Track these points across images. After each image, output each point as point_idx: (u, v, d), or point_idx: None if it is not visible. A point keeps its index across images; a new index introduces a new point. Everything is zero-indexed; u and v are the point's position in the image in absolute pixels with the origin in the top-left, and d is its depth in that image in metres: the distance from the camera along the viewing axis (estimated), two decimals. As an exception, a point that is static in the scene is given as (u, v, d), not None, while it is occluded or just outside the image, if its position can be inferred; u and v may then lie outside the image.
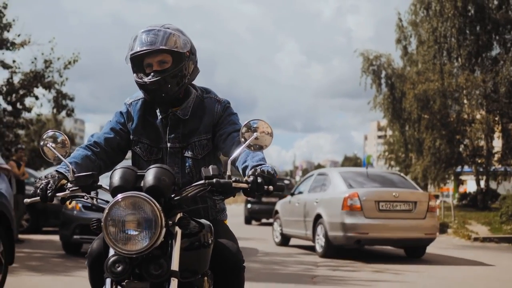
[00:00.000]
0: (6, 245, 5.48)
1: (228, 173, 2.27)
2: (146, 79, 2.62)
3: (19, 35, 17.05)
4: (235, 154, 2.35)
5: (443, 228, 17.50)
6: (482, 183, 27.44)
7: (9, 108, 17.04)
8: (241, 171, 2.50)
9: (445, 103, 26.49)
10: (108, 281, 2.14)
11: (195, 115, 2.76)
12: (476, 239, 15.20)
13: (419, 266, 9.44)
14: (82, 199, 2.35)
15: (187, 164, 2.74)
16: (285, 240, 12.68)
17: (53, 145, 2.49)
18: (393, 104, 29.55)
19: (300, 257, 10.32)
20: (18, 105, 17.02)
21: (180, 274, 2.24)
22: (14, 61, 17.14)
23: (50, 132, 2.54)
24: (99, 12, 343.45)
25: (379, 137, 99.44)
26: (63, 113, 17.69)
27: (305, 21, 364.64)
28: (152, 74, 2.62)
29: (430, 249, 12.24)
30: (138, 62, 2.66)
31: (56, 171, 2.45)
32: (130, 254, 2.09)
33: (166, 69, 2.62)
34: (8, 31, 16.91)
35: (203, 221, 2.50)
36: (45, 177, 2.41)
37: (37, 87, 17.07)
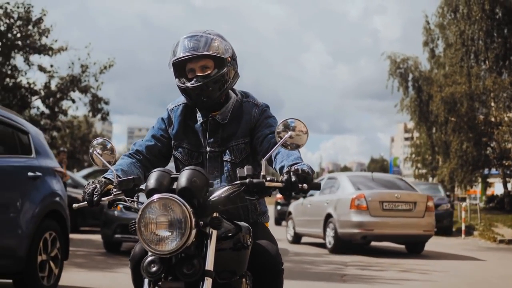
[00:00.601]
0: (62, 243, 5.98)
1: (263, 172, 2.27)
2: (189, 84, 2.67)
3: (56, 41, 17.68)
4: (269, 153, 2.37)
5: (469, 231, 17.72)
6: (510, 186, 27.46)
7: (47, 111, 17.67)
8: (278, 171, 2.54)
9: (472, 105, 26.58)
10: (146, 281, 2.22)
11: (233, 119, 2.80)
12: (501, 241, 15.41)
13: (445, 266, 9.76)
14: (124, 203, 2.42)
15: (225, 168, 2.78)
16: (297, 239, 13.96)
17: (101, 152, 2.58)
18: (420, 107, 29.73)
19: (329, 257, 10.70)
20: (56, 109, 17.65)
21: (217, 275, 2.28)
22: (51, 66, 17.79)
23: (99, 140, 2.62)
24: (126, 13, 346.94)
25: (406, 139, 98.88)
26: (98, 116, 18.29)
27: (332, 21, 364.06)
28: (195, 79, 2.67)
29: (456, 250, 12.55)
30: (181, 67, 2.72)
31: (104, 177, 2.56)
32: (163, 254, 2.14)
33: (208, 74, 2.67)
34: (46, 36, 17.53)
35: (241, 223, 2.54)
36: (93, 182, 2.52)
37: (73, 91, 17.71)
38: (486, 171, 29.03)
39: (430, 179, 33.84)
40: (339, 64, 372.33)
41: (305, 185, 2.21)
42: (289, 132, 2.30)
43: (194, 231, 2.12)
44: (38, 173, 5.68)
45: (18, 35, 16.24)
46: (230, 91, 2.82)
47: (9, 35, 16.34)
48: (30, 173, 5.58)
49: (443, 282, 7.97)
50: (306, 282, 7.29)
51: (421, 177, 35.81)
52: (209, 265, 2.17)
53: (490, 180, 33.80)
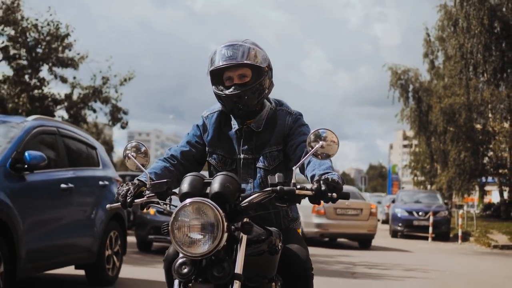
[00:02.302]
0: (122, 240, 7.11)
1: (293, 180, 2.31)
2: (227, 92, 2.71)
3: (79, 53, 18.83)
4: (300, 161, 2.42)
5: (465, 236, 18.82)
6: (506, 194, 28.54)
7: (70, 119, 18.80)
8: (309, 179, 2.57)
9: (470, 116, 27.57)
10: (176, 282, 2.28)
11: (267, 128, 2.84)
12: (495, 247, 16.49)
13: (443, 267, 10.87)
14: (157, 205, 2.48)
15: (258, 175, 2.82)
16: None
17: (135, 154, 2.65)
18: (420, 117, 30.87)
19: (339, 258, 11.81)
20: (78, 118, 18.79)
21: (246, 279, 2.33)
22: (74, 78, 18.93)
23: (134, 143, 2.69)
24: (126, 18, 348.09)
25: (405, 146, 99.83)
26: (118, 125, 19.44)
27: (332, 29, 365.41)
28: (233, 87, 2.71)
29: (453, 254, 13.70)
30: (218, 75, 2.76)
31: (137, 179, 2.62)
32: (195, 256, 2.18)
33: (246, 83, 2.71)
34: (70, 50, 18.67)
35: (272, 228, 2.61)
36: (126, 184, 2.58)
37: (95, 101, 18.86)
38: (483, 179, 30.06)
39: (429, 186, 34.90)
40: (339, 71, 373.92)
41: (334, 194, 2.26)
42: (320, 142, 2.35)
43: (225, 235, 2.17)
44: (106, 182, 6.82)
45: (46, 50, 17.39)
46: (265, 99, 2.86)
47: (38, 49, 17.52)
48: (100, 182, 6.71)
49: (441, 280, 9.08)
50: (321, 278, 8.37)
51: (420, 185, 36.85)
52: (239, 268, 2.23)
53: (487, 188, 34.88)
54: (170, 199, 2.47)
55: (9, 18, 17.05)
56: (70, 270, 6.81)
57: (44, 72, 18.26)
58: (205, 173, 2.78)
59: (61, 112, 19.03)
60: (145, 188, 2.52)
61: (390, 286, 8.18)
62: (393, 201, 21.68)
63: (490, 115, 28.23)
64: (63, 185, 5.84)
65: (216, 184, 2.27)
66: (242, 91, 2.69)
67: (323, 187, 2.26)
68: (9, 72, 18.10)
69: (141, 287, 7.17)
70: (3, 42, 17.41)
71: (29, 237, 5.17)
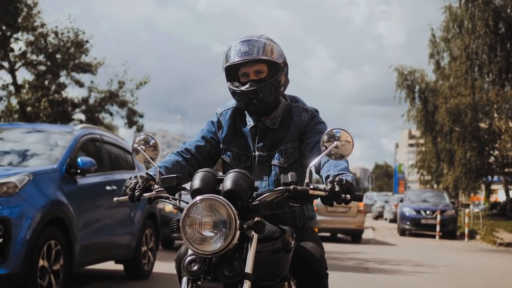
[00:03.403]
0: (155, 237, 7.73)
1: (307, 180, 2.27)
2: (243, 88, 2.67)
3: (95, 58, 19.45)
4: (314, 161, 2.35)
5: (472, 234, 19.39)
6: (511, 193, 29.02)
7: (87, 122, 19.45)
8: (323, 180, 2.51)
9: (476, 116, 28.01)
10: (184, 279, 2.22)
11: (283, 124, 2.79)
12: (501, 244, 17.04)
13: (450, 262, 11.46)
14: (166, 200, 2.42)
15: (273, 172, 2.77)
16: None
17: (144, 148, 2.58)
18: (426, 117, 31.34)
19: (351, 254, 12.41)
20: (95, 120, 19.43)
21: (258, 278, 2.32)
22: (92, 82, 19.56)
23: (142, 136, 2.63)
24: (129, 18, 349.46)
25: (410, 145, 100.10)
26: (134, 128, 20.04)
27: (336, 27, 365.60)
28: (249, 83, 2.67)
29: (460, 251, 14.31)
30: (234, 71, 2.72)
31: (147, 173, 2.55)
32: (205, 254, 2.13)
33: (262, 79, 2.67)
34: (86, 55, 19.30)
35: (285, 227, 2.58)
36: (135, 177, 2.51)
37: (112, 105, 19.49)
38: (489, 178, 30.54)
39: (435, 186, 35.38)
40: (343, 69, 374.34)
41: (348, 196, 2.22)
42: (335, 142, 2.31)
43: (238, 233, 2.13)
44: (141, 184, 7.43)
45: (66, 56, 18.03)
46: (280, 96, 2.81)
47: (57, 55, 18.16)
48: (137, 184, 7.32)
49: (449, 275, 9.66)
50: (336, 273, 8.95)
51: (426, 184, 37.33)
52: (249, 268, 2.18)
53: (493, 187, 35.35)
54: (180, 195, 2.42)
55: (27, 25, 17.68)
56: (107, 265, 7.43)
57: (62, 77, 18.91)
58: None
59: (79, 116, 19.67)
60: (154, 182, 2.46)
61: (402, 280, 8.77)
62: (401, 200, 22.24)
63: (495, 115, 28.63)
64: (108, 187, 6.46)
65: (228, 181, 2.22)
66: (258, 87, 2.65)
67: (337, 188, 2.21)
68: (29, 77, 18.75)
69: (171, 281, 7.79)
70: (20, 49, 18.02)
71: (82, 234, 5.79)
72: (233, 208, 2.13)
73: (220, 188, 2.23)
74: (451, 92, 29.04)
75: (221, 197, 2.17)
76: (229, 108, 2.88)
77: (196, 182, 2.25)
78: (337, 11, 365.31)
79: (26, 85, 18.53)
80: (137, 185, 2.45)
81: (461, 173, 28.11)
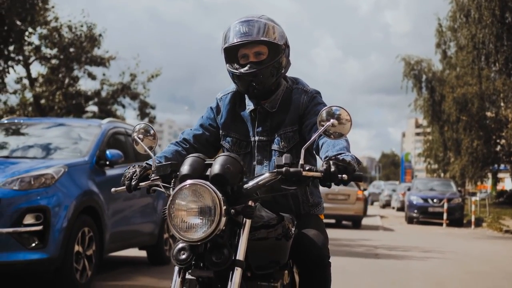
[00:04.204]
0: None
1: (301, 161, 2.14)
2: (242, 70, 2.58)
3: (107, 52, 19.85)
4: (309, 141, 2.20)
5: (478, 222, 19.73)
6: (518, 181, 29.31)
7: (101, 114, 19.86)
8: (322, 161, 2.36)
9: (483, 105, 28.20)
10: (176, 269, 2.15)
11: (282, 107, 2.71)
12: (507, 231, 17.37)
13: (457, 248, 11.82)
14: (159, 188, 2.36)
15: (273, 158, 2.69)
16: None
17: (142, 137, 2.52)
18: (433, 106, 31.57)
19: (361, 241, 12.78)
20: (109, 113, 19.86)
21: (256, 266, 2.28)
22: (104, 74, 19.98)
23: (142, 125, 2.57)
24: (135, 8, 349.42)
25: (417, 134, 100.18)
26: (146, 119, 20.46)
27: (342, 16, 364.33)
28: (248, 65, 2.58)
29: (466, 238, 14.68)
30: (233, 52, 2.63)
31: (146, 162, 2.52)
32: (192, 241, 2.06)
33: (262, 61, 2.59)
34: (98, 48, 19.70)
35: (285, 214, 2.52)
36: (133, 167, 2.49)
37: (124, 97, 19.90)
38: (495, 167, 30.79)
39: (442, 174, 35.64)
40: (350, 58, 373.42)
41: (345, 176, 2.10)
42: (331, 120, 2.17)
43: (224, 219, 2.05)
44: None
45: (80, 50, 18.43)
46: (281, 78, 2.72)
47: (71, 49, 18.55)
48: (159, 175, 7.72)
49: (456, 260, 10.03)
50: (347, 258, 9.33)
51: (433, 173, 37.60)
52: (241, 255, 2.11)
53: (500, 175, 35.60)
54: (175, 182, 2.33)
55: (40, 19, 18.06)
56: (131, 251, 7.83)
57: (75, 70, 19.32)
58: None
59: (92, 108, 20.10)
60: (151, 171, 2.41)
61: (411, 264, 9.14)
62: (409, 189, 22.58)
63: (502, 104, 28.83)
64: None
65: (216, 166, 2.14)
66: (258, 69, 2.56)
67: (332, 168, 2.10)
68: (43, 71, 19.16)
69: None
70: (33, 43, 18.36)
71: (111, 222, 6.18)
72: (218, 193, 2.05)
73: (209, 173, 2.16)
74: (458, 81, 29.22)
75: (206, 182, 2.08)
76: (229, 93, 2.82)
77: (185, 167, 2.20)
78: (343, 0, 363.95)
79: (40, 79, 18.95)
80: (134, 175, 2.44)
81: (467, 162, 28.37)
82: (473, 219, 19.38)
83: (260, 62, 2.59)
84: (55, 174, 5.44)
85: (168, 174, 2.34)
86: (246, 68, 2.58)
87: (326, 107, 2.22)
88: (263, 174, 2.22)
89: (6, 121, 7.41)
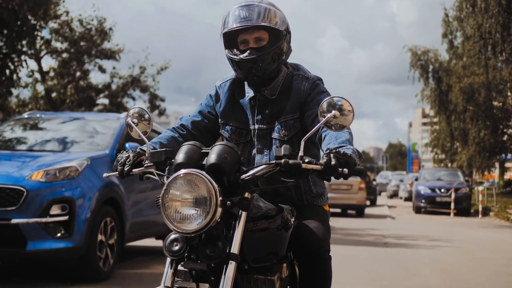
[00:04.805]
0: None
1: (301, 153, 2.07)
2: (242, 56, 2.52)
3: (117, 45, 20.07)
4: (310, 132, 2.13)
5: (485, 211, 19.92)
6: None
7: (111, 107, 20.12)
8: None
9: (490, 95, 28.35)
10: (168, 260, 2.09)
11: (282, 94, 2.63)
12: (514, 220, 17.59)
13: (464, 237, 12.04)
14: (153, 176, 2.28)
15: (274, 146, 2.61)
16: None
17: (137, 121, 2.45)
18: (440, 96, 31.66)
19: (369, 231, 13.01)
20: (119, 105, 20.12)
21: (252, 259, 2.22)
22: (114, 68, 20.21)
23: (136, 109, 2.50)
24: (140, 0, 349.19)
25: (424, 124, 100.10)
26: (156, 112, 20.72)
27: (348, 5, 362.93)
28: (248, 51, 2.51)
29: (474, 227, 14.92)
30: (232, 38, 2.56)
31: (140, 148, 2.43)
32: (186, 233, 2.00)
33: (263, 47, 2.52)
34: (108, 41, 19.92)
35: (285, 206, 2.48)
36: (126, 152, 2.42)
37: (134, 90, 20.15)
38: (502, 156, 30.94)
39: (449, 164, 35.79)
40: (356, 48, 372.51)
41: (345, 170, 2.03)
42: (333, 111, 2.10)
43: (220, 211, 1.99)
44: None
45: (90, 44, 18.67)
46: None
47: (81, 43, 18.80)
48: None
49: (464, 248, 10.25)
50: (357, 247, 9.57)
51: (440, 163, 37.75)
52: (235, 248, 2.04)
53: (507, 165, 35.70)
54: (169, 170, 2.26)
55: (51, 13, 18.30)
56: (148, 241, 8.08)
57: (86, 63, 19.57)
58: None
59: (102, 101, 20.36)
60: (145, 158, 2.32)
61: (419, 253, 9.37)
62: (416, 179, 22.77)
63: (509, 93, 28.96)
64: (150, 170, 7.07)
65: (213, 155, 2.07)
66: (258, 56, 2.50)
67: (333, 162, 2.03)
68: (54, 65, 19.42)
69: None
70: (43, 37, 18.61)
71: (131, 213, 6.42)
72: (214, 184, 1.99)
73: (205, 162, 2.09)
74: (465, 71, 29.33)
75: (201, 171, 2.02)
76: (228, 80, 2.75)
77: (180, 156, 2.12)
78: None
79: (51, 72, 19.21)
80: (128, 160, 2.36)
81: (475, 152, 28.55)
82: (480, 209, 19.58)
83: (260, 48, 2.52)
84: (78, 167, 5.68)
85: (163, 161, 2.27)
86: (246, 54, 2.52)
87: (327, 98, 2.14)
88: (261, 165, 2.15)
89: (26, 116, 7.66)
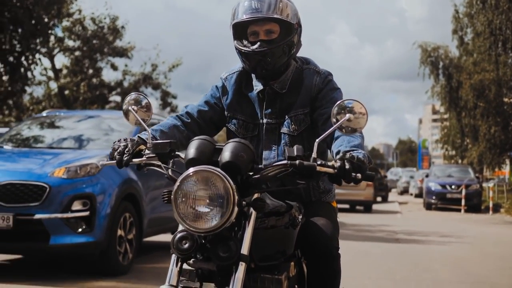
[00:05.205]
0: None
1: (314, 155, 2.02)
2: (253, 48, 2.46)
3: (129, 43, 20.26)
4: (323, 135, 2.08)
5: (496, 208, 19.98)
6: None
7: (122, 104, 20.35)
8: (334, 156, 2.29)
9: (500, 91, 28.25)
10: (173, 257, 2.03)
11: (293, 88, 2.57)
12: (525, 217, 17.66)
13: (475, 233, 12.14)
14: (157, 168, 2.20)
15: (283, 141, 2.57)
16: None
17: (136, 108, 2.34)
18: (450, 93, 31.63)
19: (381, 227, 13.12)
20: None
21: (259, 257, 2.14)
22: (126, 65, 20.43)
23: (133, 95, 2.39)
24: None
25: (434, 120, 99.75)
26: (168, 109, 20.91)
27: (357, 1, 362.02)
28: (259, 43, 2.45)
29: (484, 223, 15.00)
30: (242, 28, 2.50)
31: (138, 136, 2.33)
32: (199, 232, 1.94)
33: (273, 40, 2.46)
34: (120, 39, 20.12)
35: (293, 203, 2.40)
36: (124, 140, 2.29)
37: (146, 87, 20.35)
38: (513, 153, 30.94)
39: (459, 161, 35.75)
40: (365, 44, 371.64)
41: (358, 175, 2.00)
42: (347, 115, 2.06)
43: (236, 211, 1.93)
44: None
45: (103, 42, 18.88)
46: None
47: (94, 41, 19.00)
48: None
49: (475, 244, 10.35)
50: (369, 243, 9.69)
51: (451, 159, 37.71)
52: (245, 249, 1.98)
53: (518, 161, 35.62)
54: (173, 163, 2.20)
55: (63, 11, 18.50)
56: (164, 236, 8.24)
57: (98, 61, 19.79)
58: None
59: (115, 98, 20.56)
60: (145, 147, 2.25)
61: (430, 248, 9.48)
62: (427, 176, 22.84)
63: (519, 90, 28.93)
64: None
65: (227, 152, 2.00)
66: (268, 49, 2.44)
67: (347, 166, 2.00)
68: (67, 62, 19.64)
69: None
70: (56, 35, 18.83)
71: (149, 208, 6.57)
72: (232, 182, 1.92)
73: (218, 159, 2.02)
74: (475, 68, 29.30)
75: (219, 169, 1.95)
76: (234, 72, 2.68)
77: (192, 151, 2.05)
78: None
79: (64, 70, 19.43)
80: (127, 149, 2.24)
81: (485, 148, 28.52)
82: (491, 205, 19.63)
83: (271, 40, 2.47)
84: (98, 164, 5.84)
85: (167, 153, 2.17)
86: (256, 46, 2.46)
87: (341, 100, 2.11)
88: (272, 164, 2.09)
89: (45, 114, 7.83)
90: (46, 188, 5.43)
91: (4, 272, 6.34)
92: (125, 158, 2.22)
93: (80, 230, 5.53)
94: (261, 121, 2.60)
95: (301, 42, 2.60)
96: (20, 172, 5.61)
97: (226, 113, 2.66)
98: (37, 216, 5.38)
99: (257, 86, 2.60)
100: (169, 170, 2.15)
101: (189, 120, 2.61)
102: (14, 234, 5.38)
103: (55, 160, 5.85)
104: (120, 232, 5.93)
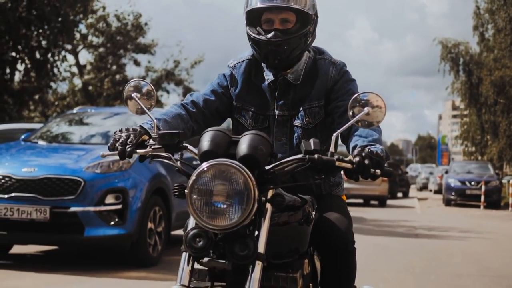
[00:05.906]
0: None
1: (332, 149, 1.97)
2: (268, 36, 2.35)
3: (153, 40, 20.56)
4: (341, 129, 2.01)
5: (513, 204, 20.01)
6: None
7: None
8: (350, 150, 2.22)
9: (521, 88, 28.32)
10: (184, 255, 1.91)
11: (307, 80, 2.48)
12: (542, 213, 17.65)
13: (495, 229, 12.26)
14: (166, 160, 2.08)
15: (295, 134, 2.47)
16: None
17: (138, 95, 2.21)
18: (470, 89, 31.57)
19: (400, 222, 13.28)
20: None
21: (272, 254, 2.02)
22: (149, 62, 20.73)
23: (134, 82, 2.26)
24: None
25: (454, 116, 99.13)
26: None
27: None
28: (273, 32, 2.34)
29: (504, 220, 15.10)
30: (256, 15, 2.40)
31: (141, 125, 2.22)
32: (215, 229, 1.83)
33: (289, 30, 2.36)
34: (143, 37, 20.43)
35: (306, 196, 2.28)
36: (126, 129, 2.17)
37: (168, 83, 20.65)
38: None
39: (479, 157, 35.64)
40: (385, 40, 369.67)
41: (377, 171, 1.94)
42: (366, 109, 1.99)
43: (255, 207, 1.83)
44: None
45: (127, 38, 19.21)
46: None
47: (118, 37, 19.33)
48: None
49: (494, 239, 10.47)
50: (389, 238, 9.86)
51: (470, 155, 37.58)
52: (261, 247, 1.87)
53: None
54: (181, 154, 2.09)
55: (87, 8, 18.83)
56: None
57: (122, 58, 20.13)
58: None
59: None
60: (149, 137, 2.15)
61: (450, 243, 9.63)
62: (446, 172, 22.88)
63: (540, 86, 28.80)
64: (194, 162, 7.46)
65: (245, 145, 1.89)
66: (283, 39, 2.34)
67: (366, 161, 1.92)
68: (91, 59, 20.00)
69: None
70: (80, 31, 19.16)
71: (176, 202, 6.81)
72: (252, 177, 1.82)
73: (235, 152, 1.90)
74: (496, 64, 29.19)
75: (238, 163, 1.84)
76: (243, 61, 2.56)
77: (206, 143, 1.92)
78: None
79: (88, 66, 19.80)
80: (129, 140, 2.11)
81: (505, 145, 28.47)
82: (510, 202, 19.64)
83: (286, 30, 2.36)
84: (130, 159, 6.09)
85: (175, 144, 2.08)
86: (271, 35, 2.35)
87: (359, 93, 2.04)
88: (288, 158, 1.99)
89: (75, 111, 8.11)
90: (81, 182, 5.70)
91: (40, 262, 6.64)
92: (128, 149, 2.10)
93: (112, 222, 5.78)
94: (272, 113, 2.50)
95: (315, 34, 2.50)
96: (56, 167, 5.88)
97: (234, 103, 2.55)
98: (72, 209, 5.65)
99: (268, 76, 2.50)
100: (178, 162, 2.05)
101: (194, 110, 2.48)
102: (51, 226, 5.66)
103: (88, 156, 6.12)
104: (150, 225, 6.18)
